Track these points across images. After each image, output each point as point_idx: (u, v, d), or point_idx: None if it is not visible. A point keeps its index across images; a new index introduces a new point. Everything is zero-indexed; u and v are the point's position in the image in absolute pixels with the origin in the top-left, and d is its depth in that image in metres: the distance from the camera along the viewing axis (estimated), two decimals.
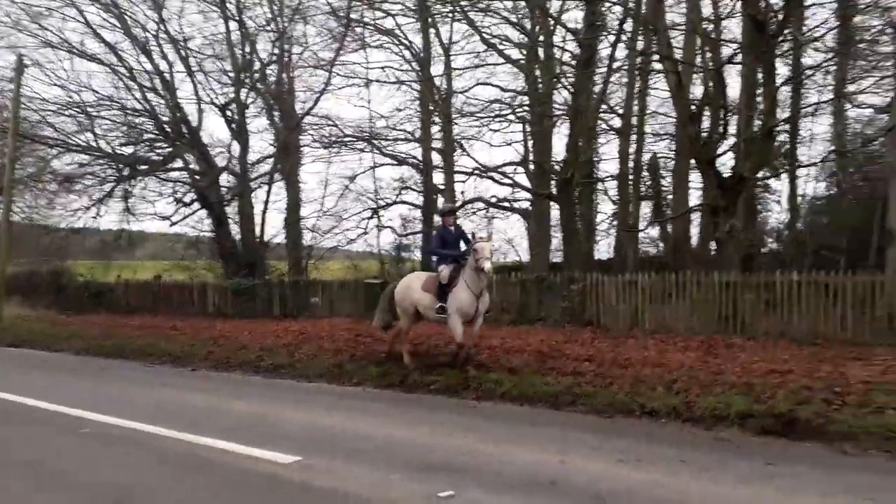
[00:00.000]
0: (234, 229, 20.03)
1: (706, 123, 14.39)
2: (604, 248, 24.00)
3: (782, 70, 16.10)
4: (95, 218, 20.33)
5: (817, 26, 14.53)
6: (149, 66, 19.62)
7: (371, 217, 22.33)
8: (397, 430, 6.13)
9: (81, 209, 20.16)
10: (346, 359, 10.07)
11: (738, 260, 12.66)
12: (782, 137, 19.09)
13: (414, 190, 23.56)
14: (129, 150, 20.29)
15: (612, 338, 10.97)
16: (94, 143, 19.75)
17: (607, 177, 22.74)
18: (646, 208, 23.12)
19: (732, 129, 13.84)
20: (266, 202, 20.17)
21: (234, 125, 20.13)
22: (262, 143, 21.84)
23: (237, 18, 19.56)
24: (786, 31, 12.98)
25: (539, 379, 7.83)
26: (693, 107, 13.73)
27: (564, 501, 3.99)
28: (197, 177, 19.71)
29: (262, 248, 20.22)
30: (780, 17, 12.34)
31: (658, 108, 20.18)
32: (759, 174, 14.29)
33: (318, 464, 4.93)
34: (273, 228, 21.15)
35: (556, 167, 18.58)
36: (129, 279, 21.45)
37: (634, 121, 20.32)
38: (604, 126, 19.61)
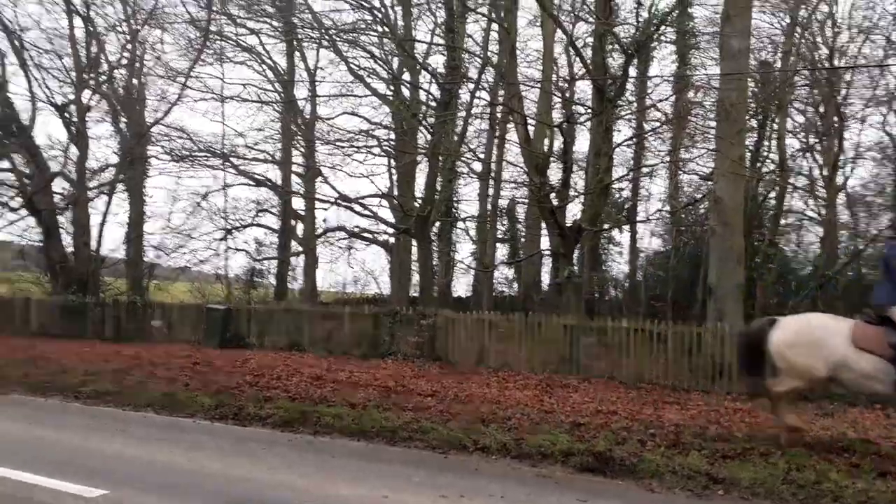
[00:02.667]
0: (67, 240, 18.29)
1: (557, 175, 15.35)
2: (463, 286, 24.71)
3: (627, 132, 17.67)
4: None
5: (658, 100, 16.15)
6: None
7: (223, 238, 21.40)
8: (215, 462, 5.86)
9: None
10: (181, 388, 9.46)
11: (579, 304, 13.47)
12: (626, 193, 20.80)
13: (272, 213, 22.94)
14: None
15: (458, 374, 11.17)
16: None
17: (467, 217, 23.53)
18: (503, 249, 24.17)
19: (581, 182, 14.88)
20: (105, 213, 18.65)
21: (72, 128, 18.52)
22: (105, 149, 20.35)
23: (84, 15, 18.20)
24: (623, 98, 14.27)
25: (380, 414, 7.76)
26: (539, 159, 14.56)
27: None
28: (26, 180, 17.90)
29: (98, 263, 18.62)
30: (617, 84, 13.57)
31: (515, 157, 21.23)
32: (598, 226, 15.35)
33: (127, 498, 4.57)
34: (112, 243, 19.59)
35: (416, 203, 18.87)
36: None
37: (494, 166, 21.20)
38: (464, 168, 20.25)
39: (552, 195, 13.75)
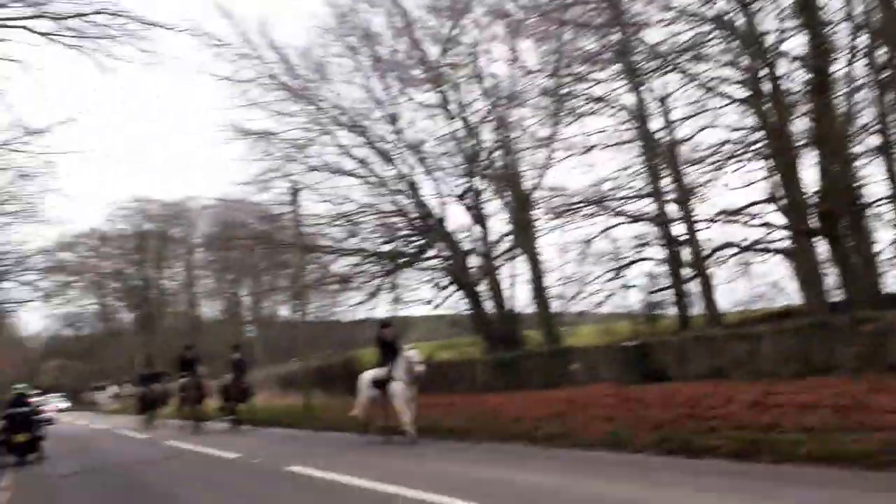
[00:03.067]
0: (489, 305, 21.30)
1: None
2: (892, 281, 20.82)
3: None
4: (371, 310, 23.09)
5: None
6: (393, 173, 22.29)
7: (613, 279, 22.11)
8: (685, 498, 5.97)
9: (358, 304, 22.98)
10: (620, 426, 9.96)
11: None
12: None
13: (655, 244, 22.94)
14: (388, 247, 22.87)
15: None
16: (360, 246, 22.63)
17: (877, 200, 20.00)
18: None
19: None
20: (513, 276, 21.24)
21: (472, 211, 21.80)
22: (499, 222, 23.44)
23: (461, 116, 21.49)
24: None
25: (845, 437, 7.06)
26: None
27: None
28: (448, 262, 21.51)
29: (515, 321, 21.10)
30: None
31: None
32: None
33: None
34: (523, 300, 22.02)
35: (813, 199, 16.90)
36: None
37: None
38: (860, 148, 17.47)
39: None
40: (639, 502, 6.04)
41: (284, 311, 53.20)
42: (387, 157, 22.19)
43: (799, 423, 8.01)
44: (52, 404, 43.47)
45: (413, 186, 22.13)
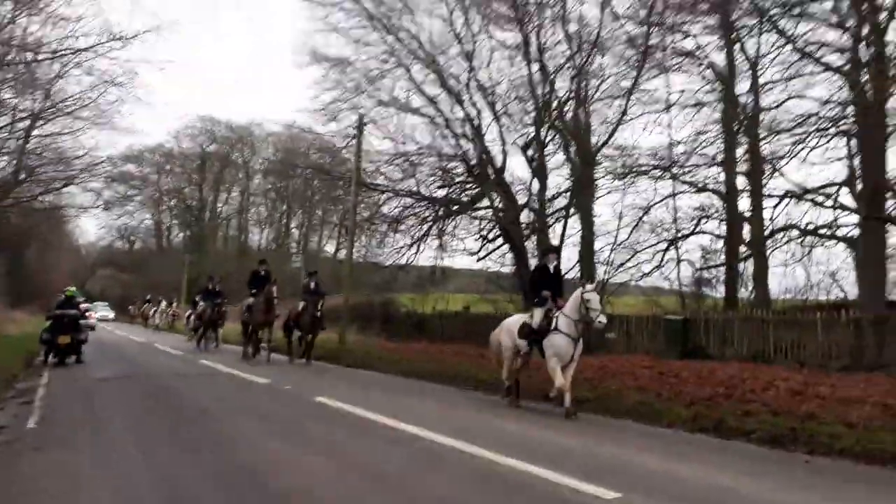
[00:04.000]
0: (533, 263, 21.00)
1: None
2: None
3: None
4: (416, 255, 23.06)
5: None
6: (461, 115, 21.87)
7: (667, 249, 21.56)
8: (718, 476, 5.83)
9: (405, 247, 23.02)
10: (653, 397, 9.81)
11: None
12: None
13: (715, 219, 22.18)
14: (442, 192, 22.72)
15: None
16: (415, 189, 22.53)
17: None
18: None
19: None
20: (562, 236, 20.84)
21: (533, 163, 21.32)
22: (558, 178, 22.80)
23: (539, 60, 20.83)
24: None
25: (889, 436, 6.77)
26: None
27: None
28: (500, 214, 21.24)
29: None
30: None
31: None
32: None
33: (640, 502, 4.92)
34: (568, 261, 21.62)
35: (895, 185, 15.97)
36: (443, 310, 23.81)
37: None
38: None
39: None
40: (660, 472, 5.93)
41: (330, 247, 54.15)
42: (457, 98, 21.76)
43: (841, 416, 7.72)
44: (100, 312, 44.51)
45: (478, 131, 21.72)
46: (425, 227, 22.51)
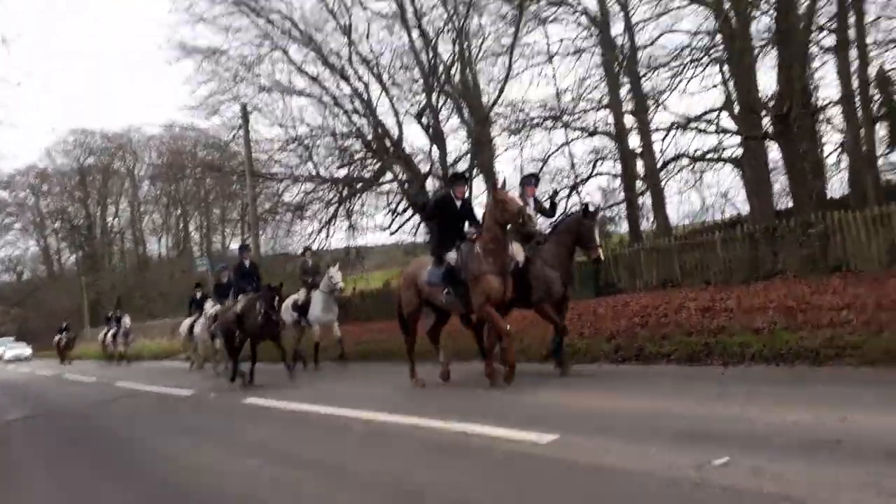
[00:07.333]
0: None
1: None
2: (835, 186, 21.46)
3: None
4: (327, 239, 22.65)
5: None
6: (348, 90, 21.46)
7: (569, 195, 22.16)
8: (644, 402, 6.07)
9: (314, 233, 22.55)
10: (576, 337, 10.07)
11: None
12: None
13: (610, 159, 22.98)
14: (343, 171, 22.33)
15: (867, 281, 9.81)
16: (314, 172, 22.01)
17: (828, 103, 20.26)
18: (881, 131, 20.19)
19: None
20: (470, 197, 20.97)
21: (430, 130, 21.24)
22: (457, 142, 22.84)
23: (418, 26, 20.61)
24: None
25: (791, 335, 7.27)
26: None
27: (857, 460, 3.68)
28: (406, 186, 21.13)
29: None
30: None
31: (881, 14, 17.57)
32: None
33: (576, 441, 5.05)
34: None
35: (768, 104, 17.01)
36: (364, 290, 23.59)
37: (852, 34, 17.84)
38: (815, 48, 17.53)
39: None
40: (592, 409, 6.11)
41: (236, 245, 52.25)
42: (341, 74, 21.30)
43: (747, 325, 8.22)
44: (10, 352, 40.23)
45: (369, 105, 21.39)
46: (331, 209, 22.15)
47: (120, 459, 7.27)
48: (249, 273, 12.44)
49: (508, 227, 7.57)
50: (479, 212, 8.44)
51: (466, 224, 8.28)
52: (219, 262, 20.96)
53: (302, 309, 13.29)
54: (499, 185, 7.85)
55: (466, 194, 8.72)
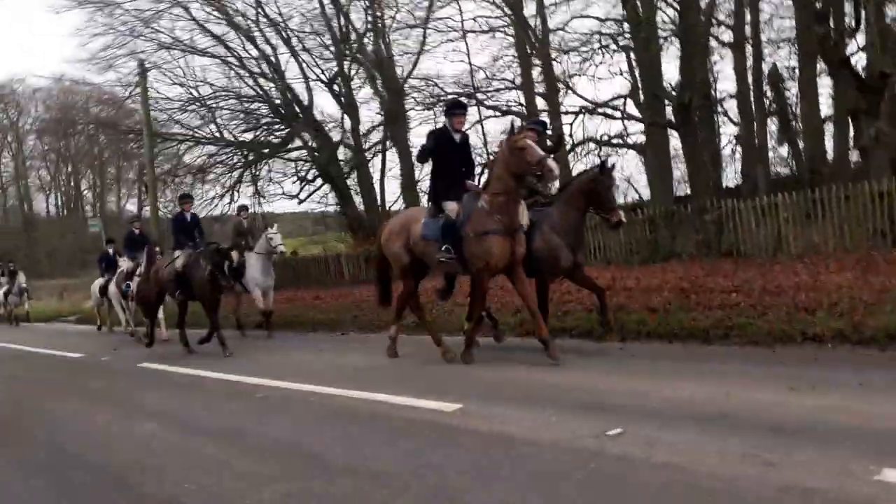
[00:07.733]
0: (358, 200, 20.81)
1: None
2: (730, 175, 22.75)
3: None
4: (230, 204, 21.74)
5: None
6: (255, 53, 20.56)
7: (482, 173, 22.29)
8: (547, 375, 6.21)
9: (217, 197, 21.60)
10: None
11: (889, 167, 11.61)
12: None
13: None
14: (249, 136, 21.45)
15: (756, 266, 10.47)
16: (218, 134, 21.03)
17: (725, 96, 21.39)
18: (772, 126, 21.58)
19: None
20: (382, 171, 20.76)
21: (342, 98, 20.73)
22: (370, 112, 22.36)
23: None
24: None
25: (684, 315, 7.64)
26: (818, 3, 12.58)
27: (740, 432, 3.91)
28: (316, 153, 20.58)
29: (385, 216, 20.87)
30: None
31: (774, 13, 18.68)
32: None
33: (479, 410, 5.10)
34: (392, 195, 21.67)
35: (671, 93, 17.73)
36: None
37: (748, 31, 18.87)
38: (714, 42, 18.45)
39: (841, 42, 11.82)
40: (495, 380, 6.19)
41: (132, 206, 49.37)
42: (247, 35, 20.34)
43: (645, 304, 8.56)
44: None
45: (277, 69, 20.58)
46: (236, 173, 21.27)
47: (4, 424, 6.75)
48: (191, 226, 10.87)
49: (524, 179, 6.44)
50: None
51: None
52: (113, 224, 19.62)
53: (237, 273, 12.14)
54: (515, 130, 6.63)
55: (466, 127, 7.66)
